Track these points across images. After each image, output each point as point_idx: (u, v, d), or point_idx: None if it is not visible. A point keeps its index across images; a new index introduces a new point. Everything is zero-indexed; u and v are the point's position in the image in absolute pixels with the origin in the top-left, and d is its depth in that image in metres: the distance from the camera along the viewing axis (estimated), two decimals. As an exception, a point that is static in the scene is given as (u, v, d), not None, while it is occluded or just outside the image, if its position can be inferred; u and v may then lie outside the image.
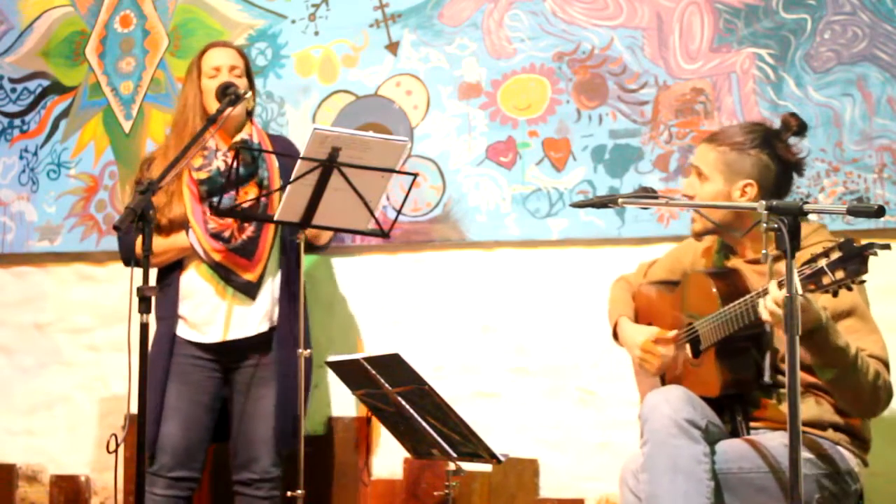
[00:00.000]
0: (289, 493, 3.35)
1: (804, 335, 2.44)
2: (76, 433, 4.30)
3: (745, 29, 3.68)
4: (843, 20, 3.58)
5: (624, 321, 3.21)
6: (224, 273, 3.52)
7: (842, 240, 2.36)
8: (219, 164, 3.55)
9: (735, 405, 2.88)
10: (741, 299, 2.69)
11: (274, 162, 3.59)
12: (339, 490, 3.98)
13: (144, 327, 2.86)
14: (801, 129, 2.94)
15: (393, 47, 4.07)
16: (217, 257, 3.51)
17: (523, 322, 3.88)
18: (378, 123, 4.02)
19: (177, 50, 4.30)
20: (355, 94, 4.09)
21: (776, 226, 2.33)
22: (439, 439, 3.02)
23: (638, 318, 3.22)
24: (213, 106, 3.55)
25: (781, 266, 2.35)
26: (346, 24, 4.12)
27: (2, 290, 4.46)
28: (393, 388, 3.00)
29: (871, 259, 2.35)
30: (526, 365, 3.87)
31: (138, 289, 2.86)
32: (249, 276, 3.52)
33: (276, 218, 3.35)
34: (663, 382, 3.10)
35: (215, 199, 3.51)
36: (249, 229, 3.53)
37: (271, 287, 3.58)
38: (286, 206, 3.29)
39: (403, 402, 3.01)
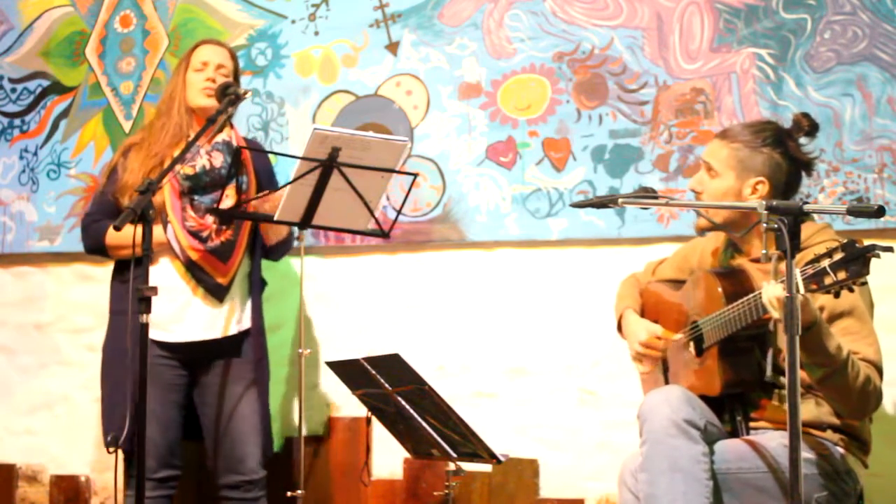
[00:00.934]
0: (289, 494, 3.35)
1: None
2: (76, 433, 4.30)
3: (745, 29, 3.68)
4: (843, 20, 3.58)
5: (629, 313, 3.22)
6: (197, 273, 3.48)
7: (845, 240, 2.36)
8: (203, 162, 3.54)
9: (735, 405, 2.88)
10: (744, 298, 2.69)
11: (252, 166, 3.59)
12: (339, 490, 3.98)
13: (144, 327, 2.86)
14: (812, 128, 2.95)
15: (393, 47, 4.07)
16: (194, 256, 3.47)
17: (523, 322, 3.88)
18: (378, 123, 4.02)
19: (177, 50, 4.30)
20: (355, 94, 4.09)
21: (776, 226, 2.34)
22: (439, 439, 3.02)
23: (644, 316, 3.22)
24: (194, 99, 3.57)
25: (783, 265, 2.35)
26: (346, 24, 4.12)
27: (2, 290, 4.46)
28: (393, 388, 3.00)
29: (872, 259, 2.35)
30: (526, 365, 3.87)
31: (138, 289, 2.86)
32: (221, 280, 3.49)
33: (276, 218, 3.35)
34: (667, 382, 3.10)
35: (196, 197, 3.50)
36: (228, 232, 3.51)
37: (241, 291, 3.57)
38: (286, 206, 3.29)
39: (403, 403, 3.01)
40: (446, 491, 3.11)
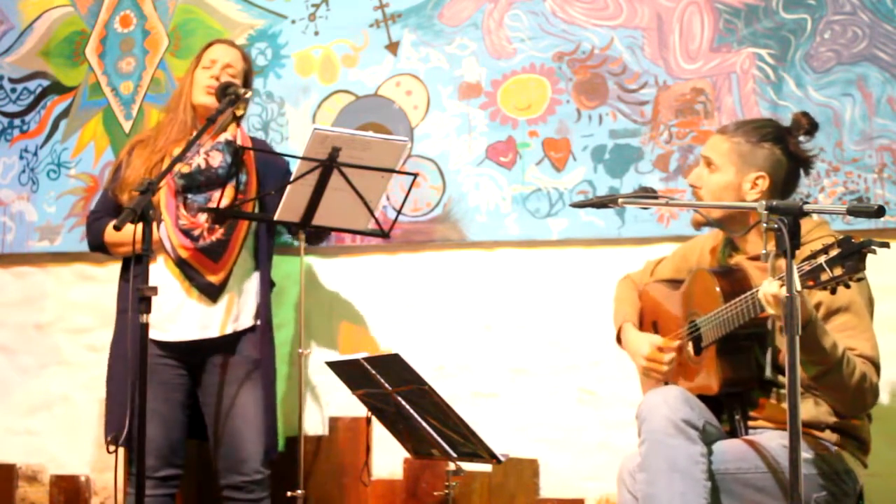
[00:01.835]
0: (289, 494, 3.35)
1: None
2: (76, 433, 4.29)
3: (745, 29, 3.68)
4: (843, 20, 3.58)
5: (628, 328, 3.20)
6: (188, 271, 3.48)
7: (841, 237, 2.36)
8: (199, 161, 3.54)
9: (734, 404, 2.88)
10: (741, 296, 2.69)
11: (254, 167, 3.58)
12: (339, 490, 3.98)
13: (144, 327, 2.86)
14: (812, 127, 2.96)
15: (393, 47, 4.07)
16: (184, 254, 3.48)
17: (523, 322, 3.88)
18: (378, 123, 4.02)
19: (177, 50, 4.30)
20: (355, 94, 4.09)
21: (776, 226, 2.34)
22: (439, 439, 3.02)
23: (643, 317, 3.21)
24: (198, 97, 3.59)
25: (782, 262, 2.35)
26: (346, 24, 4.12)
27: (2, 290, 4.46)
28: (393, 388, 3.00)
29: (871, 258, 2.35)
30: (526, 365, 3.87)
31: (138, 289, 2.86)
32: (213, 279, 3.49)
33: (276, 218, 3.35)
34: (666, 383, 3.10)
35: (189, 196, 3.50)
36: (220, 231, 3.50)
37: (240, 290, 3.56)
38: (286, 205, 3.29)
39: (403, 402, 3.01)
40: (446, 491, 3.11)
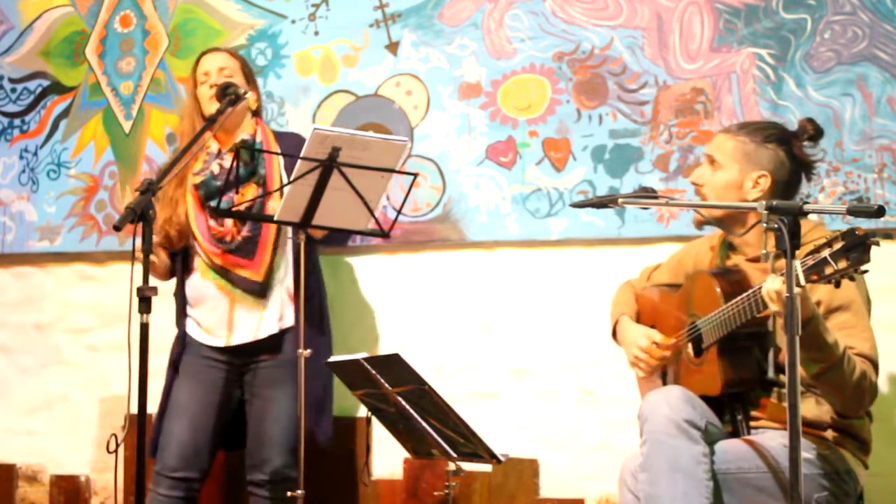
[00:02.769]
0: (289, 493, 3.35)
1: None
2: (76, 433, 4.30)
3: (745, 29, 3.68)
4: (843, 20, 3.58)
5: (625, 319, 3.21)
6: (227, 275, 3.52)
7: (844, 230, 2.35)
8: (213, 167, 3.56)
9: (735, 404, 2.88)
10: (741, 296, 2.70)
11: (275, 161, 3.58)
12: (339, 490, 3.97)
13: (144, 327, 2.85)
14: (817, 134, 2.98)
15: (393, 47, 4.07)
16: (217, 261, 3.53)
17: (523, 322, 3.88)
18: (378, 123, 4.02)
19: (177, 50, 4.30)
20: (355, 94, 4.09)
21: (776, 226, 2.34)
22: (439, 439, 3.02)
23: (641, 321, 3.21)
24: (209, 109, 3.56)
25: (782, 262, 2.36)
26: (346, 23, 4.12)
27: (2, 290, 4.46)
28: (393, 388, 3.00)
29: (871, 259, 2.35)
30: (526, 365, 3.87)
31: (138, 289, 2.86)
32: (252, 275, 3.51)
33: (276, 218, 3.35)
34: (664, 383, 3.10)
35: (213, 202, 3.52)
36: (245, 229, 3.52)
37: (281, 288, 3.58)
38: (286, 205, 3.29)
39: (403, 402, 3.01)
40: (446, 491, 3.11)
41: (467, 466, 3.10)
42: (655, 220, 3.71)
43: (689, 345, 2.97)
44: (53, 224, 4.38)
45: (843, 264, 2.32)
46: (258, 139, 3.61)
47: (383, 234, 3.40)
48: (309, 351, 3.33)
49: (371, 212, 3.30)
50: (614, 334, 3.27)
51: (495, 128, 3.92)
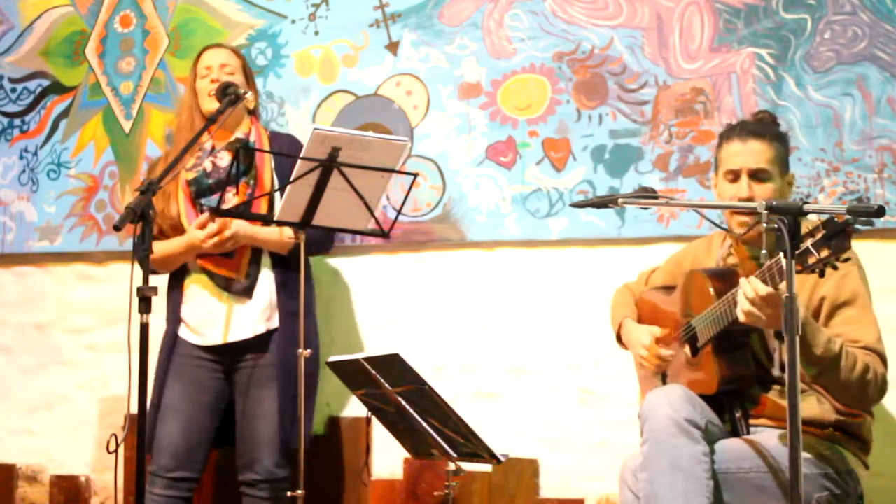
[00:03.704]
0: (289, 493, 3.35)
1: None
2: (76, 433, 4.30)
3: (745, 29, 3.68)
4: (843, 20, 3.58)
5: (628, 322, 3.22)
6: (212, 275, 3.54)
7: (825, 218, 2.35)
8: (206, 164, 3.56)
9: (734, 403, 2.88)
10: (729, 293, 2.70)
11: (266, 162, 3.58)
12: (339, 490, 3.98)
13: (144, 327, 2.85)
14: (773, 121, 3.05)
15: (393, 47, 4.07)
16: (199, 260, 3.54)
17: (523, 322, 3.88)
18: (378, 123, 4.02)
19: (177, 50, 4.30)
20: (355, 94, 4.10)
21: (776, 226, 2.34)
22: (439, 439, 3.02)
23: (640, 323, 3.21)
24: (206, 105, 3.58)
25: (771, 260, 2.38)
26: (346, 23, 4.13)
27: (2, 290, 4.46)
28: (393, 388, 3.00)
29: (871, 259, 2.35)
30: (526, 365, 3.87)
31: (138, 289, 2.86)
32: (234, 275, 3.52)
33: (276, 218, 3.35)
34: (664, 382, 3.10)
35: (206, 199, 3.53)
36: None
37: (268, 288, 3.58)
38: (286, 205, 3.29)
39: (403, 403, 3.01)
40: (446, 491, 3.11)
41: (467, 466, 3.10)
42: (655, 220, 3.71)
43: (687, 344, 2.98)
44: (53, 224, 4.38)
45: (824, 253, 2.32)
46: (252, 139, 3.62)
47: (383, 234, 3.40)
48: (309, 351, 3.33)
49: (371, 212, 3.30)
50: (619, 339, 3.27)
51: (495, 128, 3.92)
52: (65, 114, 4.42)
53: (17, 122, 4.48)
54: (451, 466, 3.08)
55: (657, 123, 3.75)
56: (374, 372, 3.01)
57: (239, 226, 3.47)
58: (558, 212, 3.83)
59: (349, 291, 4.07)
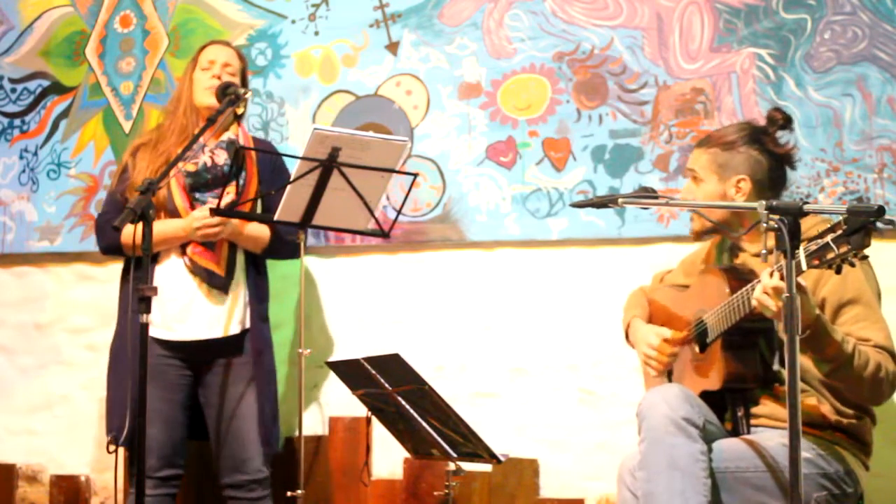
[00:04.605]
0: (289, 494, 3.35)
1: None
2: (76, 433, 4.29)
3: (745, 29, 3.68)
4: (843, 20, 3.58)
5: (636, 321, 3.22)
6: (195, 267, 3.50)
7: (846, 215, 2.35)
8: (205, 159, 3.55)
9: (736, 402, 2.88)
10: (744, 287, 2.70)
11: (255, 166, 3.59)
12: (339, 490, 3.97)
13: (144, 327, 2.86)
14: (786, 122, 3.02)
15: (393, 47, 4.07)
16: (189, 250, 3.51)
17: (523, 322, 3.88)
18: (378, 123, 4.02)
19: (177, 50, 4.30)
20: (355, 94, 4.10)
21: (776, 226, 2.34)
22: (439, 439, 3.02)
23: (653, 323, 3.21)
24: (200, 98, 3.59)
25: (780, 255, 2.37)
26: (346, 24, 4.12)
27: (2, 290, 4.46)
28: (393, 388, 3.00)
29: (871, 259, 2.35)
30: (526, 365, 3.87)
31: (138, 289, 2.86)
32: (215, 268, 3.50)
33: (276, 218, 3.35)
34: (670, 380, 3.10)
35: (198, 194, 3.54)
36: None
37: (243, 289, 3.57)
38: (286, 206, 3.29)
39: (403, 403, 3.01)
40: (446, 491, 3.11)
41: (467, 466, 3.10)
42: (655, 220, 3.72)
43: (695, 341, 2.97)
44: (53, 224, 4.38)
45: (844, 249, 2.32)
46: (241, 142, 3.63)
47: (383, 234, 3.41)
48: (309, 350, 3.33)
49: (371, 212, 3.31)
50: (627, 338, 3.27)
51: (495, 128, 3.92)
52: (65, 114, 4.42)
53: (17, 122, 4.48)
54: (451, 466, 3.08)
55: (657, 123, 3.75)
56: (374, 372, 3.01)
57: (231, 220, 3.47)
58: (558, 212, 3.83)
59: (349, 291, 4.07)
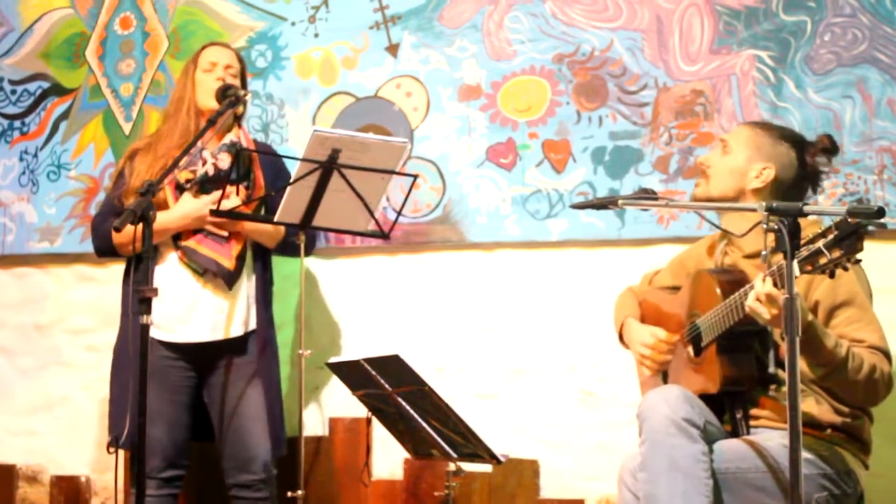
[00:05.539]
0: (289, 494, 3.35)
1: None
2: (76, 433, 4.30)
3: (745, 31, 3.69)
4: (843, 22, 3.59)
5: (630, 321, 3.22)
6: (200, 260, 3.47)
7: (839, 219, 2.36)
8: (208, 167, 3.52)
9: (735, 404, 2.89)
10: (737, 293, 2.71)
11: (259, 169, 3.58)
12: (339, 490, 3.98)
13: (145, 328, 2.86)
14: (832, 149, 3.02)
15: (393, 49, 4.07)
16: (191, 243, 3.48)
17: (523, 323, 3.88)
18: (378, 125, 4.03)
19: (177, 52, 4.30)
20: (355, 96, 4.10)
21: (776, 227, 2.34)
22: (439, 440, 3.02)
23: (644, 323, 3.22)
24: (204, 100, 3.56)
25: (774, 258, 2.37)
26: (346, 25, 4.13)
27: (2, 291, 4.46)
28: (393, 388, 3.01)
29: (872, 259, 2.36)
30: (526, 365, 3.87)
31: (139, 289, 2.86)
32: (225, 262, 3.48)
33: (276, 219, 3.35)
34: (665, 382, 3.11)
35: (205, 197, 3.52)
36: (226, 226, 3.50)
37: (247, 290, 3.57)
38: (286, 207, 3.29)
39: (404, 403, 3.01)
40: (446, 491, 3.11)
41: (467, 467, 3.10)
42: (655, 222, 3.72)
43: (690, 344, 2.98)
44: (53, 225, 4.38)
45: (836, 254, 2.33)
46: (243, 144, 3.61)
47: (383, 235, 3.41)
48: (309, 351, 3.33)
49: (371, 213, 3.31)
50: (621, 338, 3.28)
51: (495, 129, 3.92)
52: (65, 115, 4.42)
53: (17, 123, 4.48)
54: (452, 467, 3.08)
55: (657, 125, 3.76)
56: (374, 373, 3.01)
57: None
58: (558, 213, 3.83)
59: (349, 292, 4.07)
